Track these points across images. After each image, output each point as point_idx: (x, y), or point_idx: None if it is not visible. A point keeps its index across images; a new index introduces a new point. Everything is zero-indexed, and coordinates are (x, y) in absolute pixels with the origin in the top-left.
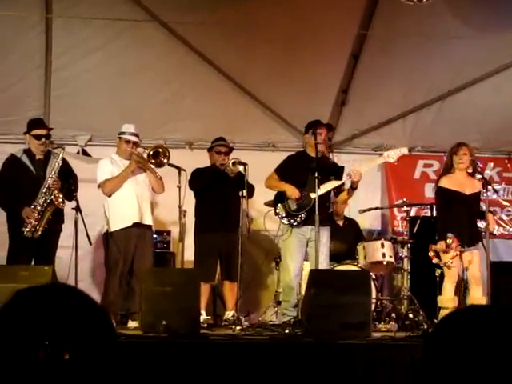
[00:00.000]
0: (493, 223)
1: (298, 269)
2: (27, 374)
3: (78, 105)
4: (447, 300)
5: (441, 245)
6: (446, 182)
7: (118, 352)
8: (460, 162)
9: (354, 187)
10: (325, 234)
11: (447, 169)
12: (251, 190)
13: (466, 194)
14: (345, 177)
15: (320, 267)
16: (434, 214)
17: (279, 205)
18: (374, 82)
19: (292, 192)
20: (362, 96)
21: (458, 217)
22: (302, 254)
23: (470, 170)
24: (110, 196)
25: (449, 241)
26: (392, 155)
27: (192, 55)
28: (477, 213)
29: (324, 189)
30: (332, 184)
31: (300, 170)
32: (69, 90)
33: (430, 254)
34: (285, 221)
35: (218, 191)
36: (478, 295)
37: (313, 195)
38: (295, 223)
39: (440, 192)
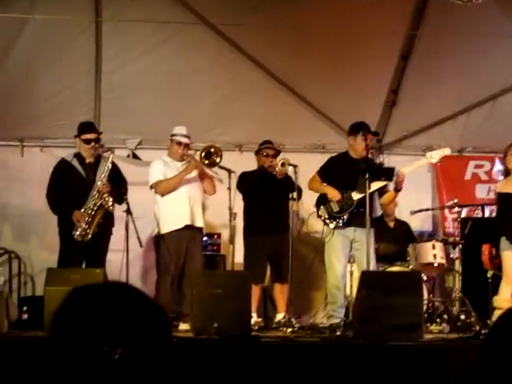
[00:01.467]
0: None
1: (343, 269)
2: (83, 370)
3: (128, 108)
4: (503, 301)
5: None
6: (500, 186)
7: (174, 349)
8: (509, 162)
9: (398, 188)
10: (369, 235)
11: (506, 172)
12: (299, 192)
13: None
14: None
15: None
16: (486, 215)
17: (321, 207)
18: (424, 82)
19: (333, 194)
20: (411, 97)
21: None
22: (346, 255)
23: None
24: (162, 196)
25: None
26: (435, 156)
27: (241, 58)
28: None
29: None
30: (377, 185)
31: (343, 171)
32: (119, 94)
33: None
34: (327, 222)
35: (267, 193)
36: None
37: (355, 196)
38: (338, 225)
39: (496, 197)
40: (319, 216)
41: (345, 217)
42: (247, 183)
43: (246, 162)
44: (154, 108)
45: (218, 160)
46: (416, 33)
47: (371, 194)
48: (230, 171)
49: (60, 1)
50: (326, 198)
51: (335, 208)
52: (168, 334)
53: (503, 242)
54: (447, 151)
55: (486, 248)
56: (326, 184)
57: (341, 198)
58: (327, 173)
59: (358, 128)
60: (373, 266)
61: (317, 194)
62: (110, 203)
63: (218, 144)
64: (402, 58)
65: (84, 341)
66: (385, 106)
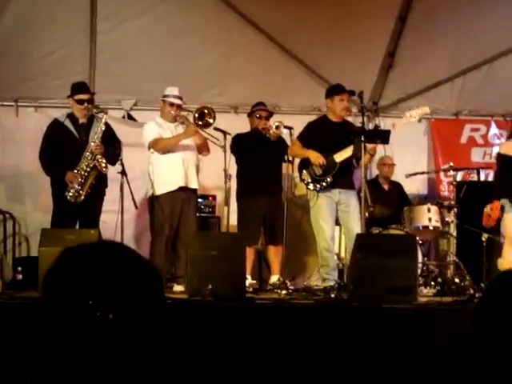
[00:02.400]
0: None
1: (332, 231)
2: (75, 330)
3: (124, 68)
4: (507, 263)
5: (486, 208)
6: (504, 148)
7: (167, 310)
8: None
9: (371, 153)
10: (353, 197)
11: (510, 135)
12: None
13: None
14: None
15: (356, 231)
16: (481, 179)
17: (304, 171)
18: (421, 45)
19: (315, 158)
20: (408, 59)
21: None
22: (333, 217)
23: None
24: (160, 153)
25: (487, 209)
26: (414, 115)
27: (238, 18)
28: None
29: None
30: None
31: (322, 135)
32: (114, 54)
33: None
34: (311, 186)
35: (260, 155)
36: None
37: (337, 159)
38: (321, 188)
39: (498, 157)
40: (302, 180)
41: (328, 179)
42: (241, 145)
43: (242, 124)
44: (149, 68)
45: (211, 121)
46: None
47: (351, 158)
48: (225, 133)
49: None
50: (309, 162)
51: (318, 171)
52: (160, 294)
53: (506, 204)
54: (426, 110)
55: (497, 204)
56: (306, 149)
57: (323, 162)
58: (307, 138)
59: (335, 90)
60: (361, 228)
61: None
62: (104, 164)
63: (213, 105)
64: (400, 20)
65: (76, 300)
66: (381, 68)
